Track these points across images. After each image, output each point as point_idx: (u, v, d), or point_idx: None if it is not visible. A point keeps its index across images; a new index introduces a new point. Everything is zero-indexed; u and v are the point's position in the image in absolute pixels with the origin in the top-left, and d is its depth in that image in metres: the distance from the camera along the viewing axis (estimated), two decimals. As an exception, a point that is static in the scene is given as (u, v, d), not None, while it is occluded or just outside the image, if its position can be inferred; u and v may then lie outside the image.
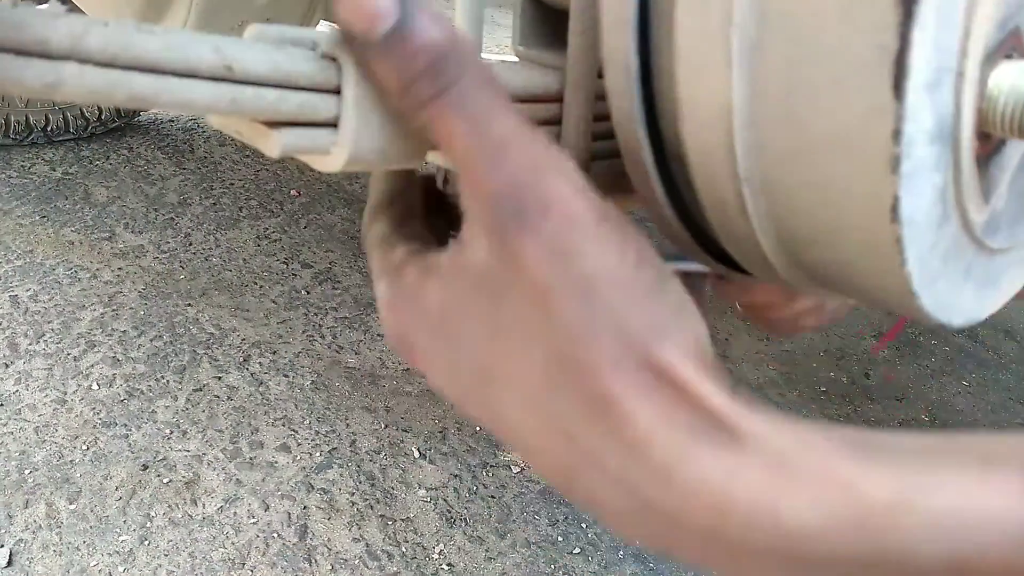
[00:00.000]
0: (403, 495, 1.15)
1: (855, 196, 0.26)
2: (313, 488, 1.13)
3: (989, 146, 0.30)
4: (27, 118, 1.79)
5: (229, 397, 1.25)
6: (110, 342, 1.31)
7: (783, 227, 0.29)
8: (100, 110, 1.89)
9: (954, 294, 0.32)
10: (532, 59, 0.42)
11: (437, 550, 1.08)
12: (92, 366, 1.26)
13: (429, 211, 0.39)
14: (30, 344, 1.28)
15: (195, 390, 1.25)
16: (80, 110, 1.86)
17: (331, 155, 0.33)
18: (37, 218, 1.60)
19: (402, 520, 1.11)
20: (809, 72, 0.25)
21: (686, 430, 0.25)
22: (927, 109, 0.25)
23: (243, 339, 1.38)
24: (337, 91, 0.32)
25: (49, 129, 1.84)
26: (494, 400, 0.29)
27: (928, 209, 0.27)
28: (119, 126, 2.00)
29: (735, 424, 0.25)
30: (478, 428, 1.27)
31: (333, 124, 0.33)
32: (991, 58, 0.27)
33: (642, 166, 0.32)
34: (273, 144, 0.32)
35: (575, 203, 0.26)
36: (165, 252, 1.57)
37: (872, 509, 0.23)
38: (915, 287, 0.28)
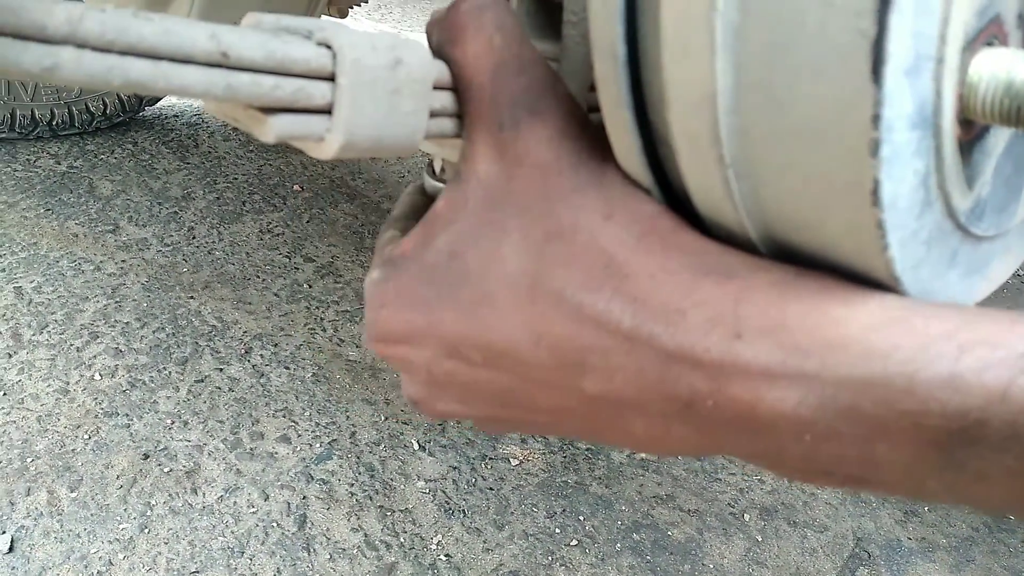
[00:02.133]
0: (402, 486, 1.15)
1: (837, 181, 0.27)
2: (313, 479, 1.13)
3: (972, 132, 0.30)
4: (33, 112, 1.80)
5: (230, 388, 1.26)
6: (113, 333, 1.32)
7: (767, 212, 0.29)
8: (105, 104, 1.90)
9: (938, 281, 0.32)
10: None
11: (435, 541, 1.09)
12: (95, 357, 1.27)
13: None
14: (33, 335, 1.28)
15: (197, 381, 1.26)
16: (85, 104, 1.87)
17: (325, 141, 0.34)
18: (42, 211, 1.61)
19: (401, 511, 1.12)
20: (791, 57, 0.25)
21: (687, 270, 0.28)
22: (907, 95, 0.25)
23: (245, 331, 1.39)
24: (332, 78, 0.33)
25: (54, 123, 1.85)
26: (497, 315, 0.31)
27: (910, 194, 0.28)
28: (124, 120, 2.01)
29: (730, 261, 0.28)
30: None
31: (327, 111, 0.33)
32: (971, 45, 0.27)
33: (630, 153, 0.32)
34: (268, 130, 0.32)
35: (569, 104, 0.33)
36: (168, 245, 1.58)
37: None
38: (898, 273, 0.29)
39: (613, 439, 0.32)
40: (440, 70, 0.36)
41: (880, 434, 0.24)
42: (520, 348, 0.30)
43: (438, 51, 0.36)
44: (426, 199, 0.44)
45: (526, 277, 0.30)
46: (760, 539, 1.20)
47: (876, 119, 0.24)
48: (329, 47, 0.32)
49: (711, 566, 1.14)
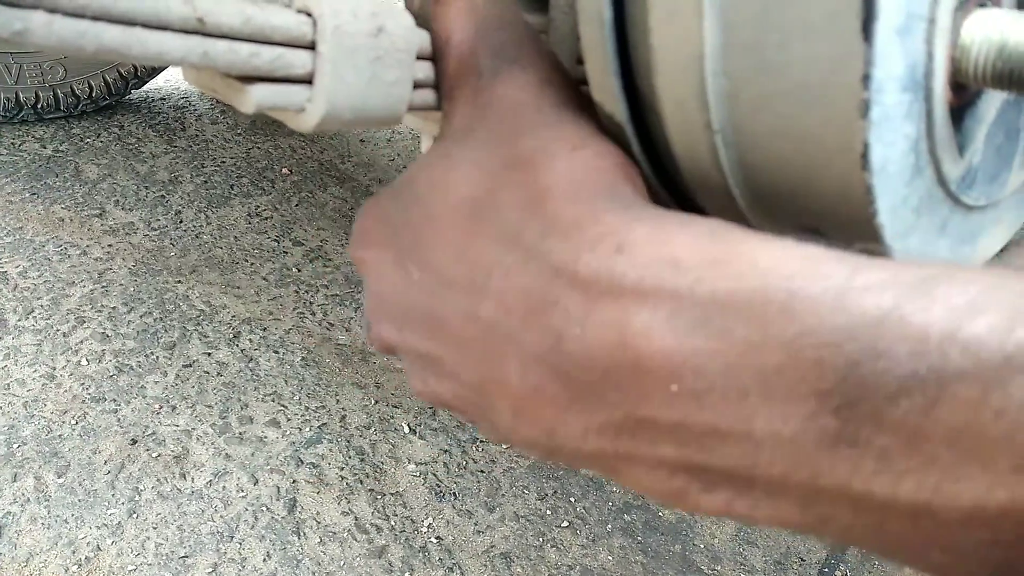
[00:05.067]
0: (392, 470, 1.15)
1: (827, 145, 0.26)
2: (302, 463, 1.13)
3: (963, 98, 0.29)
4: (17, 95, 1.77)
5: (219, 373, 1.25)
6: (100, 318, 1.31)
7: (755, 178, 0.29)
8: (91, 87, 1.88)
9: (928, 249, 0.32)
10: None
11: (426, 523, 1.08)
12: (81, 342, 1.26)
13: None
14: (19, 320, 1.27)
15: (185, 366, 1.25)
16: (71, 87, 1.85)
17: (306, 112, 0.33)
18: (27, 195, 1.59)
19: (391, 494, 1.11)
20: (780, 17, 0.25)
21: (616, 204, 0.27)
22: (897, 55, 0.25)
23: (233, 316, 1.38)
24: (312, 46, 0.32)
25: (39, 107, 1.82)
26: (434, 232, 0.31)
27: (900, 159, 0.27)
28: (110, 104, 1.98)
29: (660, 209, 0.27)
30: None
31: (308, 80, 0.32)
32: (964, 6, 0.27)
33: (617, 120, 0.31)
34: (247, 99, 0.31)
35: (551, 59, 0.34)
36: (155, 229, 1.57)
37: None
38: (888, 239, 0.28)
39: (496, 405, 0.29)
40: (424, 39, 0.35)
41: (755, 376, 0.21)
42: (444, 266, 0.30)
43: (420, 13, 0.36)
44: None
45: (468, 201, 0.30)
46: (750, 520, 1.20)
47: (866, 79, 0.24)
48: (309, 14, 0.32)
49: (702, 546, 1.14)
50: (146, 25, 0.27)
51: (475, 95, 0.33)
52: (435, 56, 0.36)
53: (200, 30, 0.29)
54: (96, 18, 0.26)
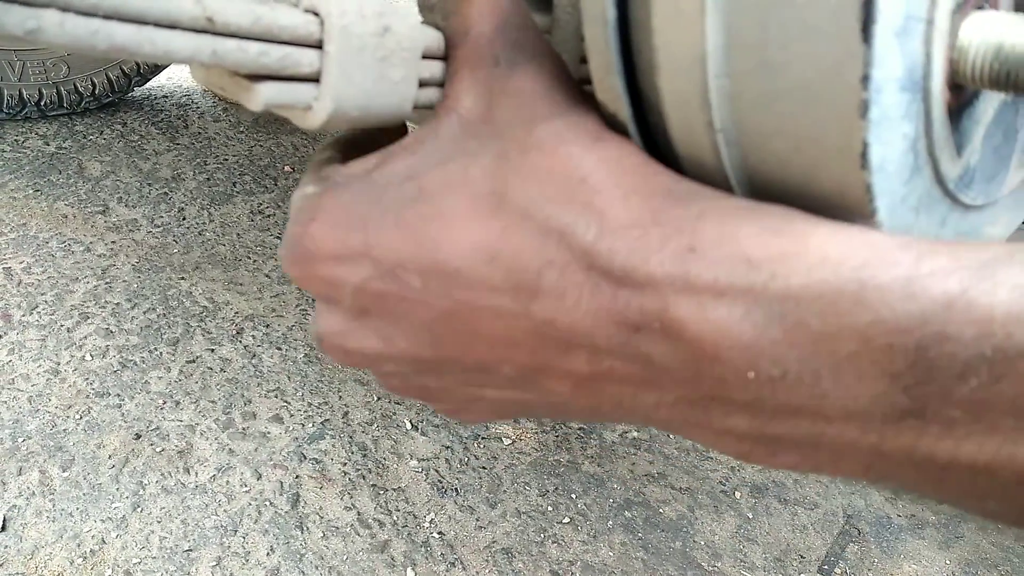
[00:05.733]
0: (395, 466, 1.16)
1: (826, 144, 0.27)
2: (305, 458, 1.14)
3: (961, 99, 0.30)
4: (21, 92, 1.78)
5: (222, 369, 1.26)
6: (103, 314, 1.32)
7: (757, 177, 0.29)
8: (94, 85, 1.88)
9: (927, 248, 0.32)
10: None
11: (428, 519, 1.09)
12: (85, 337, 1.26)
13: None
14: (23, 315, 1.28)
15: (188, 362, 1.26)
16: (74, 84, 1.85)
17: (313, 110, 0.34)
18: (31, 192, 1.60)
19: (394, 490, 1.12)
20: (782, 19, 0.25)
21: (659, 195, 0.28)
22: (896, 56, 0.25)
23: (236, 312, 1.38)
24: (319, 46, 0.32)
25: (43, 104, 1.83)
26: (450, 232, 0.29)
27: (899, 159, 0.28)
28: (113, 101, 1.99)
29: (700, 189, 0.29)
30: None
31: (315, 79, 0.33)
32: (962, 8, 0.27)
33: (620, 119, 0.32)
34: (255, 97, 0.32)
35: (556, 59, 0.33)
36: (159, 226, 1.57)
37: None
38: (886, 238, 0.29)
39: (551, 387, 0.30)
40: (430, 38, 0.36)
41: (828, 362, 0.23)
42: (471, 267, 0.28)
43: (439, 7, 0.35)
44: (382, 134, 0.41)
45: (493, 195, 0.28)
46: (751, 516, 1.21)
47: (866, 79, 0.24)
48: (316, 14, 0.32)
49: (702, 543, 1.15)
50: (157, 24, 0.27)
51: (488, 84, 0.32)
52: (448, 48, 0.35)
53: (210, 29, 0.29)
54: (108, 17, 0.26)
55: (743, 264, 0.24)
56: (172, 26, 0.28)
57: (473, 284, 0.28)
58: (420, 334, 0.30)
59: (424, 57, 0.35)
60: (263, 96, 0.31)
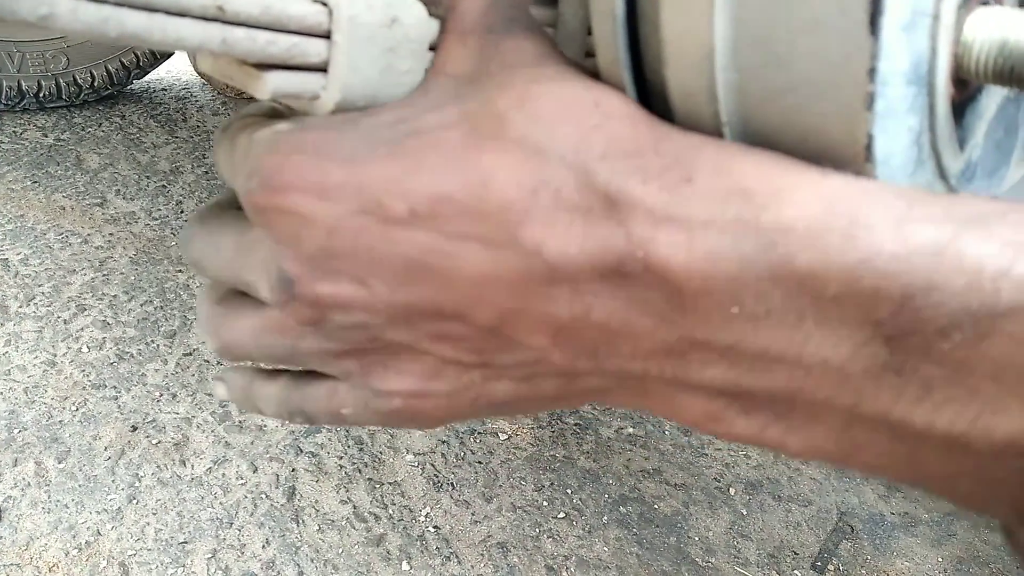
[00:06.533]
0: (391, 459, 1.16)
1: (832, 137, 0.27)
2: (302, 451, 1.14)
3: (965, 93, 0.30)
4: (19, 84, 1.78)
5: (219, 362, 1.26)
6: (100, 306, 1.31)
7: (762, 170, 0.30)
8: (93, 77, 1.88)
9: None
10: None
11: (424, 513, 1.09)
12: (82, 329, 1.26)
13: None
14: (20, 307, 1.28)
15: (185, 354, 1.26)
16: (73, 76, 1.85)
17: (320, 99, 0.34)
18: (28, 183, 1.59)
19: (390, 483, 1.12)
20: (789, 13, 0.26)
21: (664, 125, 0.28)
22: (903, 50, 0.25)
23: (233, 305, 1.38)
24: (327, 35, 0.33)
25: (41, 95, 1.83)
26: (444, 158, 0.27)
27: (903, 152, 0.28)
28: (111, 93, 1.99)
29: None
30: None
31: (323, 68, 0.33)
32: (967, 3, 0.27)
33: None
34: (263, 86, 0.32)
35: (547, 35, 0.32)
36: (156, 219, 1.57)
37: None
38: (889, 231, 0.29)
39: (528, 341, 0.28)
40: (436, 30, 0.36)
41: (813, 302, 0.22)
42: (463, 192, 0.26)
43: None
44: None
45: (491, 122, 0.27)
46: (745, 513, 1.21)
47: (872, 72, 0.24)
48: (325, 3, 0.32)
49: (696, 538, 1.15)
50: (167, 12, 0.28)
51: (482, 47, 0.31)
52: (441, 24, 0.35)
53: (219, 17, 0.29)
54: (119, 4, 0.26)
55: (737, 195, 0.24)
56: (182, 14, 0.28)
57: (462, 212, 0.26)
58: (397, 275, 0.28)
59: (431, 49, 0.36)
60: (271, 85, 0.32)
